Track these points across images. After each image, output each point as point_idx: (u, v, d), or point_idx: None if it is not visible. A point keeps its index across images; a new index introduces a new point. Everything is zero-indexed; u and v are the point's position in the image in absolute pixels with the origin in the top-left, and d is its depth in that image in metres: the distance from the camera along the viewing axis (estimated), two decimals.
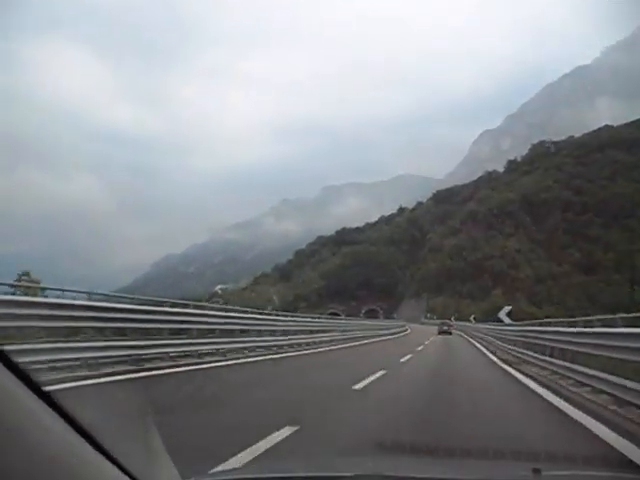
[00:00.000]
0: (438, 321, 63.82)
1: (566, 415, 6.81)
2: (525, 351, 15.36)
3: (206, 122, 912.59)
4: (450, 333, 47.22)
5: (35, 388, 0.87)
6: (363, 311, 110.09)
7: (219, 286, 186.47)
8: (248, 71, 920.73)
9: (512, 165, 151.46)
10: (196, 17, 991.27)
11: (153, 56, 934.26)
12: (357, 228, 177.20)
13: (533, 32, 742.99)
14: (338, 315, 66.08)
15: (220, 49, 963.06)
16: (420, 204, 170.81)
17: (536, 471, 1.77)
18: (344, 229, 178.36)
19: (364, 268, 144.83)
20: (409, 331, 51.00)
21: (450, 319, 67.36)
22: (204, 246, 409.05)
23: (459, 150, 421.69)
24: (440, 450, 4.06)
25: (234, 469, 3.34)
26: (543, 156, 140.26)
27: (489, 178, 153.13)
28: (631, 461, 4.32)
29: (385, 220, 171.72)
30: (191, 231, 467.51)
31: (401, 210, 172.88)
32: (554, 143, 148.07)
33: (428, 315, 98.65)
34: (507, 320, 54.88)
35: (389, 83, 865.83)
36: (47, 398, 0.88)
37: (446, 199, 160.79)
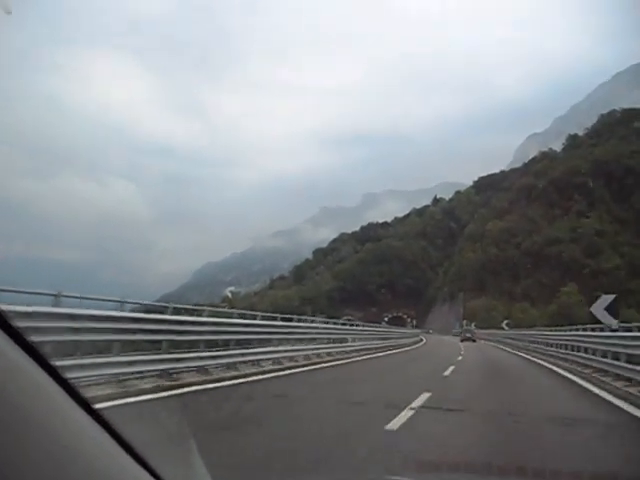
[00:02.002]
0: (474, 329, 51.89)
1: None
2: None
3: (249, 133, 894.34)
4: (474, 340, 44.01)
5: (83, 404, 0.86)
6: (386, 319, 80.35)
7: (230, 289, 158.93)
8: (290, 82, 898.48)
9: (574, 141, 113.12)
10: (239, 29, 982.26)
11: (196, 69, 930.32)
12: (384, 223, 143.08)
13: (582, 33, 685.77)
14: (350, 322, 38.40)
15: (263, 60, 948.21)
16: (458, 193, 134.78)
17: None
18: (369, 224, 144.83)
19: (387, 267, 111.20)
20: (423, 342, 39.70)
21: (502, 326, 51.65)
22: (243, 254, 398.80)
23: (504, 157, 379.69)
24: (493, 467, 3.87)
25: None
26: (616, 124, 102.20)
27: (543, 159, 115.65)
28: None
29: (416, 212, 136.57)
30: (233, 240, 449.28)
31: (436, 201, 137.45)
32: (628, 110, 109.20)
33: (464, 322, 63.93)
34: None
35: (432, 90, 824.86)
36: (95, 413, 0.87)
37: (489, 186, 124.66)
